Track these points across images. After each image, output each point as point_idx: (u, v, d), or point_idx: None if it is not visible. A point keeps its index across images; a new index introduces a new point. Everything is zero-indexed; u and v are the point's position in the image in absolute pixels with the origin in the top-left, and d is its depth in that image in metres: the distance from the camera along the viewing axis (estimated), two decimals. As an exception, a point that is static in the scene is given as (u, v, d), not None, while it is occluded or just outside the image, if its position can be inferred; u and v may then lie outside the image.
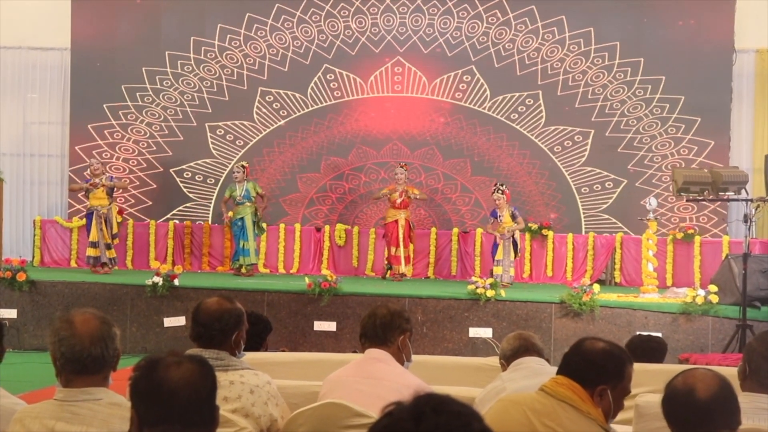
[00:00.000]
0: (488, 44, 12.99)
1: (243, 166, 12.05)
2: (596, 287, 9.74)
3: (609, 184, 12.84)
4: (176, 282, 10.11)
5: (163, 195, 13.36)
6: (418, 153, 13.11)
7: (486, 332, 9.60)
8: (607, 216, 12.80)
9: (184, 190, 13.33)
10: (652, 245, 10.56)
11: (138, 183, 13.33)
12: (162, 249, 12.86)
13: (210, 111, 13.28)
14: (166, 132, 13.34)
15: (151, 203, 13.36)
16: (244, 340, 3.60)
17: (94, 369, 2.72)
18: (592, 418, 2.80)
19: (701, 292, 9.47)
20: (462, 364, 5.48)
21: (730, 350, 8.80)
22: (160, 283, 10.01)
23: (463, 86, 13.02)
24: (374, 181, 13.13)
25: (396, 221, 11.79)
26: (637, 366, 3.12)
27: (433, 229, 12.71)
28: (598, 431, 2.80)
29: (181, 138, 13.32)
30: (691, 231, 12.18)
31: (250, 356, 4.17)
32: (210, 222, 13.13)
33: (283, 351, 7.08)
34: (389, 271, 11.90)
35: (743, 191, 9.52)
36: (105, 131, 13.35)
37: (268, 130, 13.24)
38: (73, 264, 12.75)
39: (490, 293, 9.66)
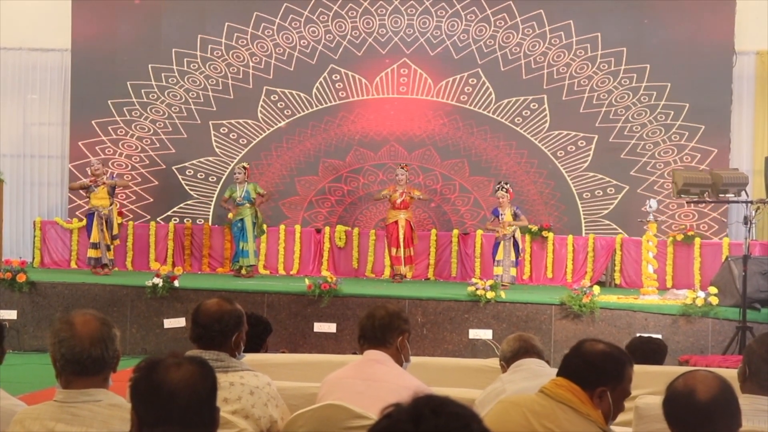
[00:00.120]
0: (495, 47, 12.99)
1: (244, 167, 12.05)
2: (596, 289, 9.74)
3: (611, 190, 12.84)
4: (176, 283, 10.10)
5: (165, 192, 13.37)
6: (416, 154, 13.11)
7: (486, 334, 9.60)
8: (608, 222, 12.80)
9: (186, 187, 13.34)
10: (652, 247, 10.55)
11: (140, 180, 13.35)
12: (162, 250, 12.87)
13: (215, 109, 13.30)
14: (170, 129, 13.36)
15: (152, 200, 13.37)
16: (244, 342, 3.60)
17: (94, 370, 2.71)
18: (592, 420, 2.80)
19: (701, 294, 9.47)
20: (462, 366, 5.47)
21: (730, 352, 8.78)
22: (160, 284, 10.01)
23: (468, 89, 13.02)
24: (372, 182, 13.13)
25: (396, 222, 11.79)
26: (637, 368, 3.11)
27: (433, 231, 12.72)
28: (598, 433, 2.80)
29: (185, 135, 13.33)
30: (691, 233, 12.17)
31: (250, 357, 4.17)
32: (210, 222, 13.14)
33: (283, 352, 7.06)
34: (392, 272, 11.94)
35: (743, 193, 9.52)
36: (109, 127, 13.36)
37: (271, 129, 13.25)
38: (73, 265, 12.76)
39: (490, 295, 9.65)
